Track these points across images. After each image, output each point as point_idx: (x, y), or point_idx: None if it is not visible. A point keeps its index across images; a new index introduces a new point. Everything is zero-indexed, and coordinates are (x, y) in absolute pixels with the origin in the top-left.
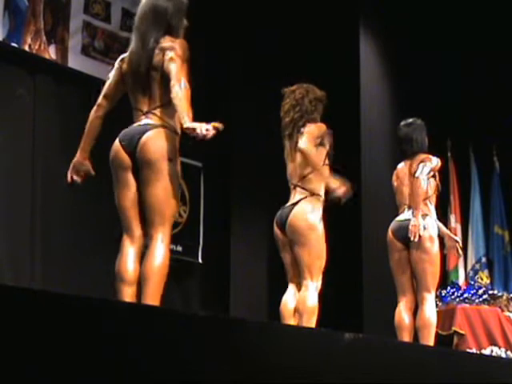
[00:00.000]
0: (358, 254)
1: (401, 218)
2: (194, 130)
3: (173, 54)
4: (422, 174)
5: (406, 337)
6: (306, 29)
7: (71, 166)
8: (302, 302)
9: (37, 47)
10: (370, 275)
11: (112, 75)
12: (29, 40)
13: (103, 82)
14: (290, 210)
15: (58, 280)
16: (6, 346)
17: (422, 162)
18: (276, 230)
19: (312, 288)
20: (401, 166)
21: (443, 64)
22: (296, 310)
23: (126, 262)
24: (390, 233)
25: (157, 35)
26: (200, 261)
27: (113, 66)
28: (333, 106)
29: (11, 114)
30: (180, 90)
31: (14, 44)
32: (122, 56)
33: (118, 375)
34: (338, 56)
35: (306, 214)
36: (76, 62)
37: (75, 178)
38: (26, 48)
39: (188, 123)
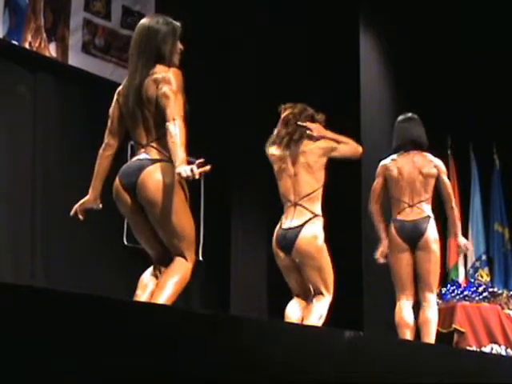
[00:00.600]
0: (358, 253)
1: (404, 217)
2: (182, 175)
3: (167, 89)
4: (452, 199)
5: (408, 334)
6: (306, 28)
7: (81, 202)
8: (312, 312)
9: (37, 45)
10: (371, 274)
11: (112, 110)
12: (29, 38)
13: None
14: (297, 234)
15: (59, 279)
16: (6, 344)
17: (430, 162)
18: (278, 251)
19: (327, 300)
20: (401, 160)
21: (443, 62)
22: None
23: (145, 275)
24: (393, 232)
25: (146, 65)
26: (201, 258)
27: (113, 63)
28: (333, 105)
29: (12, 112)
30: (174, 132)
31: (14, 42)
32: (119, 88)
33: (117, 372)
34: (338, 55)
35: (315, 238)
36: (76, 59)
37: (79, 215)
38: (27, 46)
39: (178, 169)
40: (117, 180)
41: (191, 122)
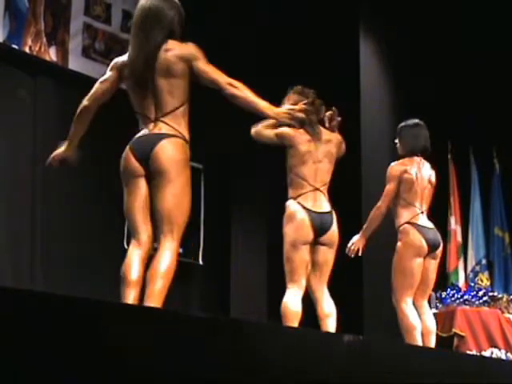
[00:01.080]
0: (358, 255)
1: (426, 224)
2: (287, 114)
3: (201, 65)
4: None
5: (419, 338)
6: (307, 30)
7: (57, 152)
8: (331, 306)
9: (37, 49)
10: (371, 276)
11: (108, 79)
12: (29, 42)
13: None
14: (332, 220)
15: (59, 282)
16: (6, 348)
17: (432, 171)
18: (309, 232)
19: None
20: (411, 164)
21: (443, 65)
22: (328, 315)
23: (130, 265)
24: (418, 236)
25: (158, 39)
26: (201, 262)
27: None
28: (333, 107)
29: (12, 116)
30: (241, 90)
31: (14, 46)
32: (118, 60)
33: (117, 377)
34: (338, 58)
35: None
36: (76, 63)
37: (54, 164)
38: (27, 50)
39: (269, 113)
40: (127, 150)
41: (192, 122)
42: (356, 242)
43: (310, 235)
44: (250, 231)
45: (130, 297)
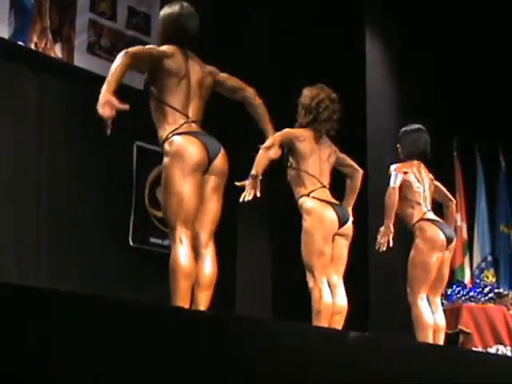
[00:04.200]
0: (364, 253)
1: (438, 219)
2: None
3: (222, 73)
4: None
5: (431, 336)
6: (312, 29)
7: (106, 101)
8: (343, 302)
9: (43, 46)
10: (377, 274)
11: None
12: (35, 38)
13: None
14: (347, 211)
15: (64, 280)
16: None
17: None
18: (336, 220)
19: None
20: (413, 167)
21: (449, 63)
22: (338, 312)
23: (187, 257)
24: (438, 230)
25: None
26: None
27: None
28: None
29: (17, 112)
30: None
31: (20, 42)
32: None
33: (123, 372)
34: (344, 57)
35: None
36: (82, 60)
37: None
38: (32, 46)
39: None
40: (200, 144)
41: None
42: (385, 235)
43: (337, 226)
44: (255, 227)
45: (187, 288)
